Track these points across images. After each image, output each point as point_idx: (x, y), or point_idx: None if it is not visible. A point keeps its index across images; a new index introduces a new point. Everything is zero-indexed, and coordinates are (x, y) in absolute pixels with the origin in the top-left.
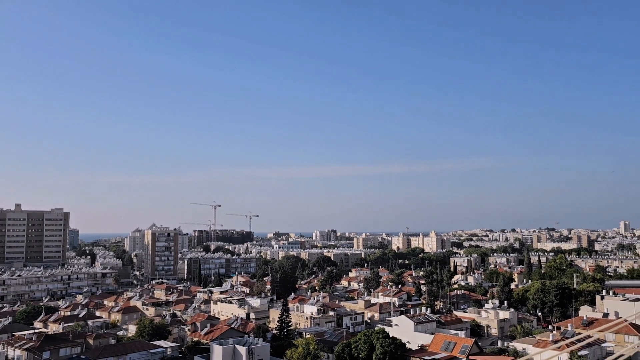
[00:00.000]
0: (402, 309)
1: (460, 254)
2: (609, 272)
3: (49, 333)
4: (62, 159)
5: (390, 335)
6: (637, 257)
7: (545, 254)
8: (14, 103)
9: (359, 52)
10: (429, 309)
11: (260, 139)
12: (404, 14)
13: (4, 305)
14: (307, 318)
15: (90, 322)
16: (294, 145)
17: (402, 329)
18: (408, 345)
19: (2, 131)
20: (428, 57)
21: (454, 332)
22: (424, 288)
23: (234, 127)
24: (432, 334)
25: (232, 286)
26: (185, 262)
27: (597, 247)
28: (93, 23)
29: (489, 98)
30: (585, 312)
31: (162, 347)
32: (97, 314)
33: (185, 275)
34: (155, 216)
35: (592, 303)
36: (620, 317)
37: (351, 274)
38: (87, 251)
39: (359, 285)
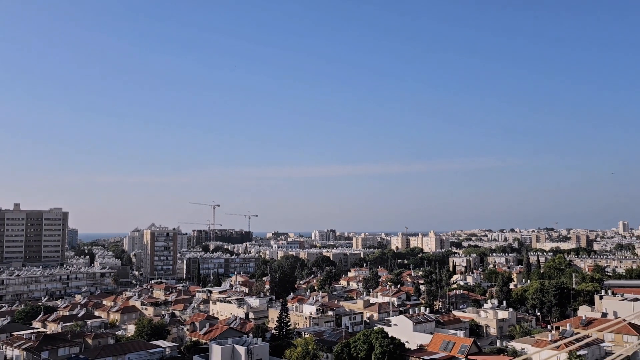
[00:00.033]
0: (401, 308)
1: (459, 253)
2: (607, 272)
3: (48, 333)
4: (61, 159)
5: (389, 335)
6: (635, 257)
7: (544, 253)
8: (14, 103)
9: (358, 52)
10: (427, 309)
11: (260, 139)
12: (403, 11)
13: (3, 305)
14: (306, 318)
15: (89, 322)
16: (294, 145)
17: (401, 329)
18: (407, 345)
19: (2, 131)
20: (428, 57)
21: (452, 331)
22: (423, 288)
23: (234, 127)
24: (431, 333)
25: (231, 286)
26: (184, 261)
27: (595, 247)
28: (92, 23)
29: (489, 97)
30: (584, 311)
31: (161, 347)
32: (96, 313)
33: (184, 275)
34: (155, 216)
35: (591, 303)
36: (619, 317)
37: (350, 274)
38: (86, 251)
39: (358, 285)
